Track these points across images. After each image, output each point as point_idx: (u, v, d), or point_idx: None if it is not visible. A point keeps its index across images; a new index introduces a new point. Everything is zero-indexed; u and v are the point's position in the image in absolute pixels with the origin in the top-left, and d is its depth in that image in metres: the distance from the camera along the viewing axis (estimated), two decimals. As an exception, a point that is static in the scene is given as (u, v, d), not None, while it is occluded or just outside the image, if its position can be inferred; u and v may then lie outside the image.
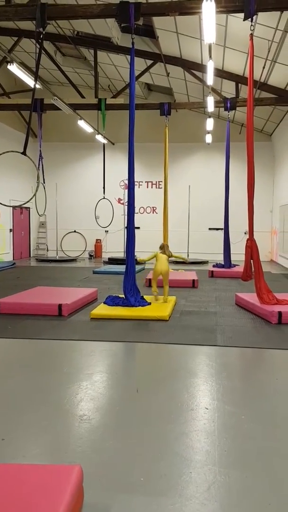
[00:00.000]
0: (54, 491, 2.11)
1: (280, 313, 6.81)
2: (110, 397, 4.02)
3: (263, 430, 3.36)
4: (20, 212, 18.84)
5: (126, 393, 4.10)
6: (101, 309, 7.36)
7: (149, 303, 7.69)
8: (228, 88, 14.36)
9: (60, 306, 7.22)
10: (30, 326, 6.58)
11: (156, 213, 19.00)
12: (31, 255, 20.01)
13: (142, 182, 19.39)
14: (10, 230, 17.89)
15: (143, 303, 7.65)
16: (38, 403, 3.84)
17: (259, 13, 7.77)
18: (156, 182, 19.33)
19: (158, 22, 11.30)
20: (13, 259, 17.77)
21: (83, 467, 2.41)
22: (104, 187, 13.91)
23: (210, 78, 11.69)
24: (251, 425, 3.42)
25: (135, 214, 8.09)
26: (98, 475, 2.72)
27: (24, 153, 7.94)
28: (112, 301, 7.69)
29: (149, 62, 13.83)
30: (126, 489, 2.61)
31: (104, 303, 7.74)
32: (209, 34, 7.91)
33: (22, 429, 3.35)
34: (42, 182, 10.33)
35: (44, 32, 7.94)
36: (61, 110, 13.05)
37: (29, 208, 19.24)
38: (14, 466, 2.49)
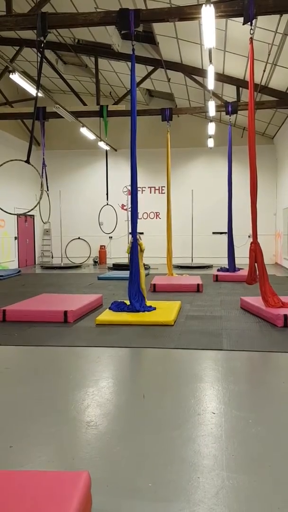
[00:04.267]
0: (62, 498, 2.11)
1: (285, 316, 6.78)
2: (117, 403, 4.01)
3: (270, 434, 3.34)
4: (25, 220, 18.92)
5: (133, 399, 4.10)
6: (107, 315, 7.37)
7: (154, 308, 7.68)
8: (229, 92, 14.41)
9: (65, 312, 7.23)
10: (36, 333, 6.58)
11: (160, 218, 19.02)
12: (36, 263, 20.07)
13: (145, 187, 19.44)
14: (15, 238, 17.97)
15: (148, 308, 7.65)
16: (45, 410, 3.84)
17: (259, 17, 7.81)
18: (159, 187, 19.37)
19: (158, 28, 11.38)
20: (18, 267, 17.82)
21: (90, 473, 2.41)
22: (107, 194, 13.95)
23: (210, 82, 11.74)
24: (258, 429, 3.40)
25: (138, 220, 8.11)
26: (106, 481, 2.72)
27: (27, 161, 8.00)
28: (117, 306, 7.69)
29: (150, 68, 13.92)
30: (134, 495, 2.60)
31: (109, 309, 7.75)
32: (209, 39, 7.95)
33: (29, 436, 3.35)
34: (46, 190, 10.39)
35: (45, 41, 8.01)
36: (63, 118, 13.14)
37: (33, 215, 19.34)
38: (22, 473, 2.49)
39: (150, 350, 5.75)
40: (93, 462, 2.94)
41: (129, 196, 7.94)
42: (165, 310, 7.62)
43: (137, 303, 7.63)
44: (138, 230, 8.19)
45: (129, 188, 7.95)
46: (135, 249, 7.78)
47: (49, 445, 3.22)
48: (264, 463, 2.93)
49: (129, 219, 7.90)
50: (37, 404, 3.97)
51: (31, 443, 3.24)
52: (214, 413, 3.69)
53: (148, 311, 7.56)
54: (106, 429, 3.46)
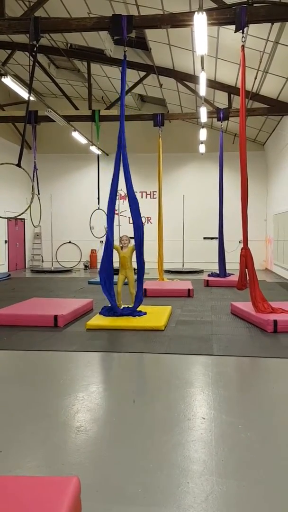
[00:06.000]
0: (52, 503, 2.10)
1: (275, 321, 6.82)
2: (107, 408, 4.00)
3: (260, 439, 3.35)
4: (15, 223, 18.83)
5: (123, 403, 4.09)
6: (97, 320, 7.35)
7: (145, 313, 7.68)
8: (221, 99, 14.52)
9: (55, 317, 7.20)
10: (26, 337, 6.54)
11: (151, 223, 19.04)
12: (26, 266, 19.96)
13: (136, 192, 19.39)
14: (5, 242, 17.86)
15: (139, 313, 7.65)
16: (34, 414, 3.81)
17: (250, 25, 7.89)
18: (150, 192, 19.42)
19: (151, 34, 11.45)
20: (8, 271, 17.71)
21: (80, 478, 2.39)
22: (98, 198, 13.95)
23: (202, 89, 11.82)
24: (248, 435, 3.41)
25: (128, 224, 8.15)
26: (96, 487, 2.71)
27: (18, 165, 7.97)
28: (108, 311, 7.68)
29: (142, 73, 13.98)
30: (124, 501, 2.59)
31: (100, 313, 7.73)
32: (201, 46, 8.01)
33: (18, 441, 3.32)
34: (37, 194, 10.35)
35: (37, 45, 8.01)
36: (55, 121, 13.13)
37: (24, 219, 19.25)
38: (11, 478, 2.47)
39: (140, 355, 5.75)
40: (82, 468, 2.93)
41: (121, 201, 7.93)
42: (155, 315, 7.62)
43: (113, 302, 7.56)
44: (130, 235, 8.19)
45: (121, 192, 7.96)
46: (108, 248, 7.62)
47: (39, 450, 3.20)
48: (254, 468, 2.94)
49: (120, 223, 7.90)
50: (26, 409, 3.94)
51: (20, 448, 3.22)
52: (204, 418, 3.70)
53: (139, 315, 7.56)
54: (96, 434, 3.45)
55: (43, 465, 3.00)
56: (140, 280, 7.65)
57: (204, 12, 7.23)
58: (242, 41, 7.36)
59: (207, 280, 13.05)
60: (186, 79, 13.70)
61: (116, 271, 7.94)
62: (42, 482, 2.34)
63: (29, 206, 8.70)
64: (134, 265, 7.89)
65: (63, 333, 6.84)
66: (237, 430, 3.49)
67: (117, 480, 2.80)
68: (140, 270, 7.57)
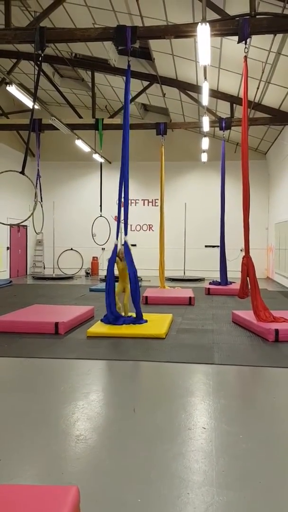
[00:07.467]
0: (51, 513, 2.09)
1: (277, 330, 6.80)
2: (107, 417, 3.99)
3: (261, 449, 3.34)
4: (18, 230, 18.88)
5: (123, 412, 4.07)
6: (98, 327, 7.34)
7: (146, 321, 7.67)
8: (223, 108, 14.61)
9: (56, 324, 7.19)
10: (27, 344, 6.54)
11: (153, 230, 19.08)
12: (28, 273, 19.98)
13: (138, 199, 19.55)
14: (7, 248, 17.90)
15: (140, 321, 7.64)
16: (34, 423, 3.80)
17: (253, 36, 7.97)
18: (152, 200, 19.47)
19: (155, 44, 11.55)
20: (10, 277, 17.72)
21: (80, 488, 2.38)
22: (101, 205, 14.00)
23: (205, 98, 11.91)
24: (249, 445, 3.39)
25: (131, 232, 8.22)
26: (95, 496, 2.69)
27: (22, 172, 8.02)
28: (109, 319, 7.67)
29: (146, 83, 14.09)
30: (124, 511, 2.58)
31: (101, 321, 7.72)
32: (204, 56, 8.08)
33: (18, 449, 3.31)
34: (40, 201, 10.40)
35: (42, 55, 8.09)
36: (59, 130, 13.22)
37: (26, 226, 19.29)
38: (11, 487, 2.46)
39: (141, 363, 5.74)
40: (82, 477, 2.92)
41: (123, 208, 7.99)
42: (156, 323, 7.61)
43: (112, 314, 7.58)
44: (131, 242, 8.22)
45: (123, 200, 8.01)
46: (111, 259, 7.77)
47: (38, 459, 3.19)
48: (254, 479, 2.92)
49: (122, 230, 7.95)
50: (26, 417, 3.93)
51: (20, 456, 3.21)
52: (204, 428, 3.68)
53: (140, 323, 7.55)
54: (96, 443, 3.44)
55: (43, 474, 2.99)
56: (136, 306, 7.67)
57: (208, 23, 7.30)
58: (244, 52, 7.43)
59: (209, 288, 13.04)
60: (189, 88, 13.80)
61: (116, 279, 7.98)
62: (42, 491, 2.33)
63: (32, 213, 8.74)
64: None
65: (64, 340, 6.84)
66: (237, 440, 3.47)
67: (117, 490, 2.79)
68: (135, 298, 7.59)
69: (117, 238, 8.13)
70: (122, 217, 7.95)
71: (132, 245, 8.29)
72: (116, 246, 7.88)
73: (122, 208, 7.97)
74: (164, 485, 2.82)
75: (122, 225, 7.96)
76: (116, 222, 8.57)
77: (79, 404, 4.21)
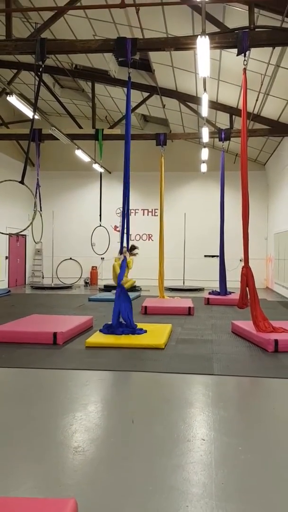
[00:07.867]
0: (48, 526, 2.06)
1: (276, 341, 6.77)
2: (105, 428, 3.95)
3: (260, 461, 3.30)
4: (17, 239, 18.89)
5: (122, 424, 4.04)
6: (97, 338, 7.31)
7: (145, 331, 7.64)
8: (223, 120, 14.72)
9: (55, 334, 7.15)
10: (25, 355, 6.50)
11: (152, 240, 19.10)
12: (27, 283, 19.95)
13: (138, 209, 19.60)
14: (6, 258, 17.89)
15: (139, 331, 7.61)
16: (31, 434, 3.77)
17: (252, 49, 8.06)
18: (152, 209, 19.53)
19: (155, 56, 11.68)
20: (8, 287, 17.69)
21: (77, 500, 2.35)
22: (100, 215, 14.03)
23: (204, 110, 12.00)
24: (248, 456, 3.36)
25: (130, 241, 8.30)
26: (93, 509, 2.66)
27: (22, 181, 8.04)
28: (108, 329, 7.64)
29: (146, 94, 14.21)
30: (121, 524, 2.54)
31: (100, 331, 7.69)
32: (204, 68, 8.16)
33: (15, 461, 3.27)
34: (39, 210, 10.42)
35: (43, 66, 8.16)
36: (59, 140, 13.29)
37: (25, 235, 19.31)
38: (7, 500, 2.43)
39: (140, 374, 5.70)
40: (80, 489, 2.88)
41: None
42: (155, 333, 7.58)
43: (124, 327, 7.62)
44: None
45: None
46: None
47: (35, 471, 3.15)
48: (254, 491, 2.88)
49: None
50: (23, 428, 3.90)
51: (17, 468, 3.17)
52: (204, 440, 3.65)
53: (139, 333, 7.52)
54: (94, 455, 3.40)
55: (40, 486, 2.95)
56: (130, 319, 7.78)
57: (207, 36, 7.38)
58: (244, 64, 7.50)
59: (208, 298, 13.01)
60: (189, 100, 13.92)
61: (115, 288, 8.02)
62: (39, 504, 2.30)
63: (31, 223, 8.75)
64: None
65: (62, 350, 6.80)
66: (237, 452, 3.44)
67: (115, 502, 2.75)
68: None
69: (122, 251, 8.23)
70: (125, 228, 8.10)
71: (132, 254, 8.37)
72: (125, 258, 7.96)
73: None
74: (162, 498, 2.79)
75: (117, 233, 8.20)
76: (116, 232, 8.66)
77: (77, 415, 4.17)
